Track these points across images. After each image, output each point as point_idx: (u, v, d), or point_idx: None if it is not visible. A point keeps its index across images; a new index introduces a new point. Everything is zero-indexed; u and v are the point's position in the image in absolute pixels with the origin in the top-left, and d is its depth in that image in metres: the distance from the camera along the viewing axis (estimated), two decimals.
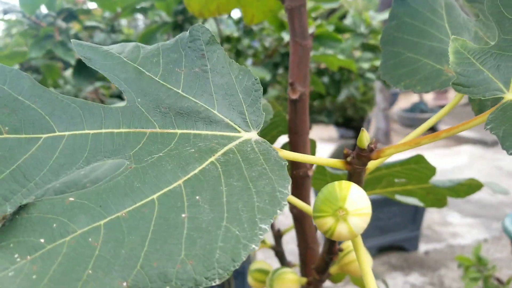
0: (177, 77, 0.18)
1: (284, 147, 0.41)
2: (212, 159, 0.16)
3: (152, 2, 0.86)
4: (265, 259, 0.49)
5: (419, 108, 5.36)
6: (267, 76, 0.79)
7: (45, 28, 0.70)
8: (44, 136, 0.15)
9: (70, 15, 0.82)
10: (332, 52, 0.90)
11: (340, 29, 1.24)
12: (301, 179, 0.36)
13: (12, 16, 0.77)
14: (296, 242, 0.40)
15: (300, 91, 0.35)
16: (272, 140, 0.40)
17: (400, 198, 0.50)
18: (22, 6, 0.71)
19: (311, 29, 0.99)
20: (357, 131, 2.94)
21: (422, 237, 2.58)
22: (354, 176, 0.23)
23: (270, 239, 0.47)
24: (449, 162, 3.53)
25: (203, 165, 0.16)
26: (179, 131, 0.17)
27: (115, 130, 0.16)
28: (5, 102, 0.15)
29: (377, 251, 2.50)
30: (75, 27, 0.89)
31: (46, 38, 0.72)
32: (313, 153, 0.39)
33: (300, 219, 0.38)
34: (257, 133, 0.18)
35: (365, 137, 0.21)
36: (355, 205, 0.20)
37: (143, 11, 0.87)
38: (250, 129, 0.18)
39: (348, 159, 0.22)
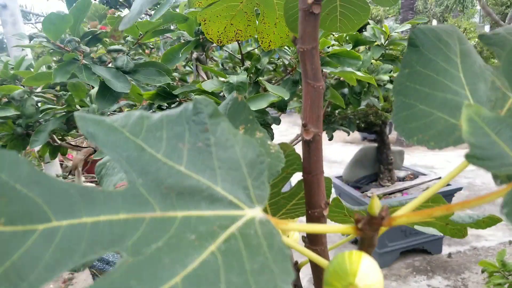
0: (179, 153, 0.18)
1: (299, 184, 0.41)
2: (213, 247, 0.16)
3: (173, 24, 0.87)
4: None
5: None
6: (286, 96, 0.78)
7: (69, 54, 0.72)
8: (40, 227, 0.15)
9: (94, 38, 0.84)
10: (351, 69, 0.88)
11: (359, 42, 1.22)
12: (316, 220, 0.36)
13: (38, 40, 0.80)
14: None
15: (314, 132, 0.35)
16: (287, 177, 0.40)
17: (419, 228, 0.49)
18: (46, 32, 0.73)
19: (330, 45, 0.98)
20: (379, 134, 2.90)
21: (445, 239, 2.54)
22: (366, 240, 0.22)
23: None
24: None
25: (203, 256, 0.15)
26: (180, 214, 0.17)
27: (114, 217, 0.16)
28: (2, 191, 0.15)
29: (401, 254, 2.46)
30: (99, 50, 0.91)
31: (70, 63, 0.74)
32: (328, 191, 0.38)
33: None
34: (261, 209, 0.18)
35: (376, 204, 0.20)
36: (365, 280, 0.19)
37: (166, 32, 0.88)
38: (254, 205, 0.18)
39: (359, 225, 0.21)
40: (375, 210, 0.20)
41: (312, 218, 0.35)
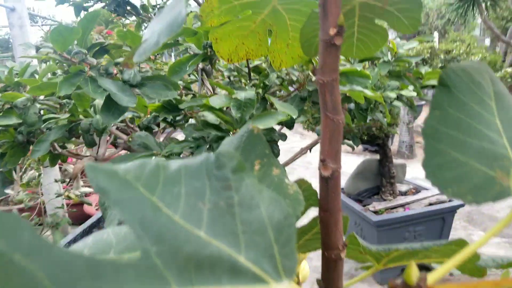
0: (199, 215, 0.16)
1: (313, 220, 0.39)
2: None
3: (182, 38, 0.86)
4: None
5: None
6: (295, 114, 0.77)
7: (76, 66, 0.71)
8: None
9: (101, 49, 0.83)
10: (360, 88, 0.87)
11: (366, 58, 1.21)
12: (333, 262, 0.34)
13: (44, 51, 0.78)
14: None
15: (332, 168, 0.33)
16: (303, 212, 0.38)
17: (436, 266, 0.47)
18: (53, 43, 0.72)
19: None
20: (381, 147, 2.89)
21: None
22: None
23: None
24: None
25: None
26: None
27: None
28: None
29: (402, 271, 2.43)
30: (105, 60, 0.90)
31: (76, 75, 0.72)
32: (345, 229, 0.36)
33: None
34: (289, 284, 0.16)
35: (414, 272, 0.18)
36: None
37: (174, 45, 0.87)
38: (281, 278, 0.16)
39: None
40: (413, 279, 0.18)
41: (328, 261, 0.33)
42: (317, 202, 0.35)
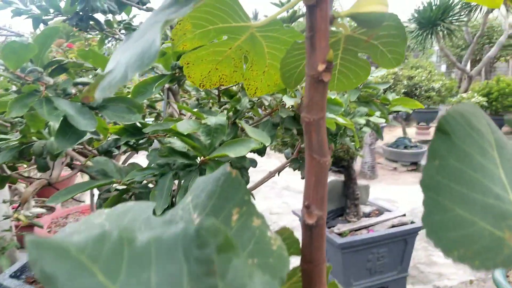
0: None
1: (294, 271, 0.35)
2: None
3: None
4: None
5: (403, 144, 5.41)
6: (268, 141, 0.74)
7: (29, 86, 0.65)
8: None
9: (59, 68, 0.77)
10: (333, 115, 0.86)
11: None
12: None
13: None
14: None
15: (317, 215, 0.30)
16: None
17: None
18: (4, 60, 0.65)
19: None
20: (346, 169, 2.93)
21: (408, 277, 2.59)
22: None
23: None
24: None
25: None
26: None
27: None
28: None
29: None
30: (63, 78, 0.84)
31: (30, 95, 0.66)
32: (327, 279, 0.33)
33: None
34: None
35: None
36: None
37: None
38: None
39: None
40: None
41: None
42: (298, 251, 0.32)
